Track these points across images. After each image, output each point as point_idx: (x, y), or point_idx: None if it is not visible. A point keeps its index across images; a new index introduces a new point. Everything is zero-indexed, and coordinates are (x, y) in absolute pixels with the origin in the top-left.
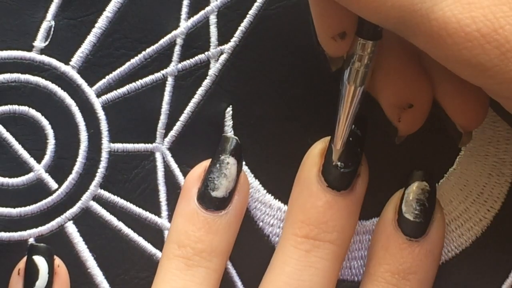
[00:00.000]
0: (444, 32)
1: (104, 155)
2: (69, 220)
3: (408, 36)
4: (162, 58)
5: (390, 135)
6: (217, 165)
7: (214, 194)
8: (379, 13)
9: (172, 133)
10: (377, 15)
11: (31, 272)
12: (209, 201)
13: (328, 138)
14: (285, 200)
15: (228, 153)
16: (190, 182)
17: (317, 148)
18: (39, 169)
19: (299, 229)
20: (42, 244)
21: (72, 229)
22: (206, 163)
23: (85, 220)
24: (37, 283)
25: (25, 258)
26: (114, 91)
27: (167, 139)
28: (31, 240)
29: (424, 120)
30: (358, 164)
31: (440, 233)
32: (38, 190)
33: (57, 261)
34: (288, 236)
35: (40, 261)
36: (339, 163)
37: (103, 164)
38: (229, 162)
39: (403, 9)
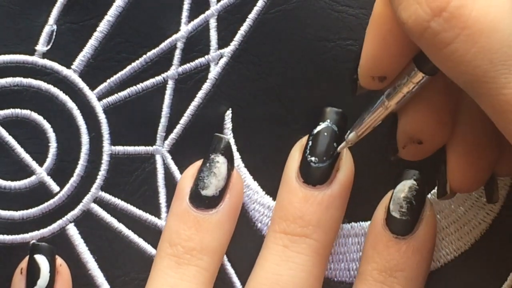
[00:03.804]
0: (511, 107)
1: (105, 158)
2: (71, 222)
3: (472, 96)
4: (162, 62)
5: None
6: (207, 164)
7: (203, 192)
8: (451, 71)
9: (172, 135)
10: (449, 71)
11: (33, 271)
12: (199, 199)
13: (307, 135)
14: None
15: (218, 152)
16: (183, 182)
17: (298, 145)
18: (41, 172)
19: (277, 225)
20: (44, 243)
21: (73, 231)
22: (199, 162)
23: (86, 222)
24: (39, 282)
25: (27, 257)
26: (115, 95)
27: (167, 142)
28: None
29: (425, 157)
30: (335, 159)
31: (429, 232)
32: (40, 193)
33: (59, 260)
34: (269, 233)
35: (42, 260)
36: (313, 158)
37: (104, 166)
38: (219, 161)
39: (474, 78)
